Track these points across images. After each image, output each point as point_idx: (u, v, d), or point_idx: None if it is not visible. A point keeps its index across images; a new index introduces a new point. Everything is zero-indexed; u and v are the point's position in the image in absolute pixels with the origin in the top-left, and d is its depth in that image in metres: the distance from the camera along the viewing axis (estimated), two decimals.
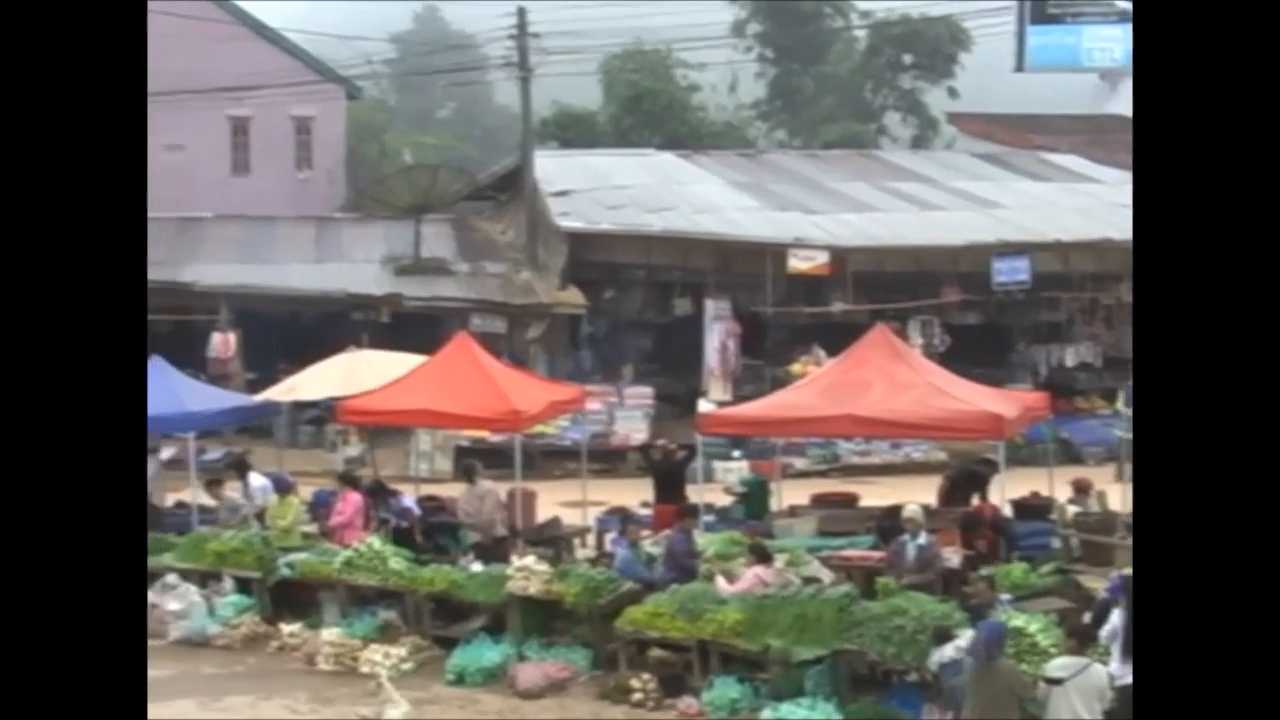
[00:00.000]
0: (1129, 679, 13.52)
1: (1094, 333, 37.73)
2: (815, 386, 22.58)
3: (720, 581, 18.92)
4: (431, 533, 23.70)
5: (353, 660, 19.31)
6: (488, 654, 18.93)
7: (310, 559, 21.44)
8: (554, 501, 26.11)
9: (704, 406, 30.21)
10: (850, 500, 25.31)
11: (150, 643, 20.76)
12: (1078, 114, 51.08)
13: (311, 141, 51.71)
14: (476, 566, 20.64)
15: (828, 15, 61.64)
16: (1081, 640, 14.54)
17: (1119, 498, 23.28)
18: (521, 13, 38.28)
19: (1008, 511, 22.10)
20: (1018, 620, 15.99)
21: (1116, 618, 14.98)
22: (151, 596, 21.50)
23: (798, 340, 36.28)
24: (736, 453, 31.83)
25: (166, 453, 27.80)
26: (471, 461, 25.01)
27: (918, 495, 22.91)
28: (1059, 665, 14.15)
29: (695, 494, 23.44)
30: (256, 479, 24.50)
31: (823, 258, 35.92)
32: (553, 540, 23.54)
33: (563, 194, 39.14)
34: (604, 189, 40.32)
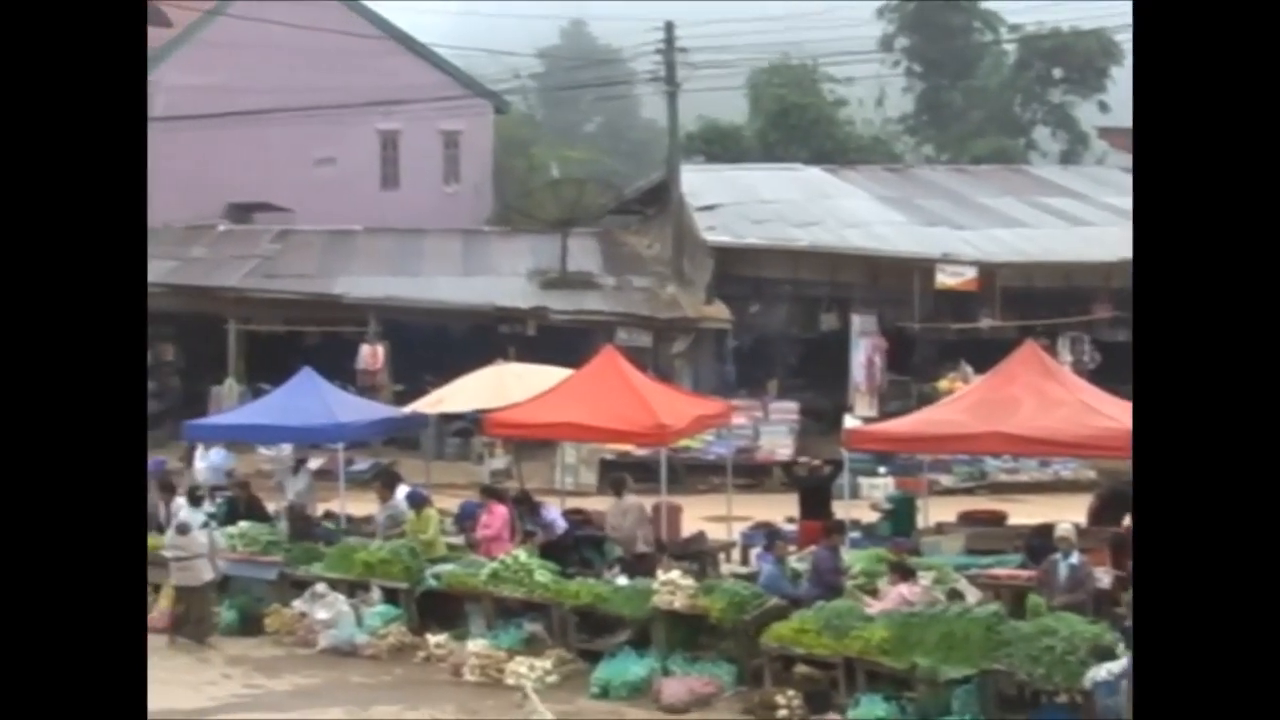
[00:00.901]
0: None
1: None
2: (963, 403, 22.36)
3: (865, 600, 18.80)
4: (577, 546, 23.76)
5: (498, 672, 19.37)
6: (633, 668, 18.90)
7: (456, 570, 21.57)
8: (699, 516, 26.06)
9: (850, 422, 30.01)
10: (998, 518, 25.02)
11: (299, 651, 21.16)
12: None
13: (459, 155, 52.18)
14: (622, 580, 20.64)
15: (977, 29, 61.15)
16: None
17: None
18: (669, 27, 38.32)
19: None
20: None
21: None
22: (300, 605, 21.79)
23: (945, 356, 36.00)
24: (882, 469, 31.63)
25: (315, 463, 28.11)
26: (621, 475, 24.94)
27: (1067, 514, 22.58)
28: None
29: (841, 510, 23.30)
30: (401, 492, 24.68)
31: (971, 273, 35.65)
32: (698, 555, 23.50)
33: (709, 208, 39.15)
34: (750, 203, 40.28)
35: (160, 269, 38.58)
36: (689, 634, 19.35)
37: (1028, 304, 36.30)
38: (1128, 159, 49.20)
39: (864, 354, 35.74)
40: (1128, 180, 44.81)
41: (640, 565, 21.62)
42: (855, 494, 26.64)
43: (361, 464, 32.53)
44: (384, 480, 25.51)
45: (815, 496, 24.12)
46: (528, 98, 69.07)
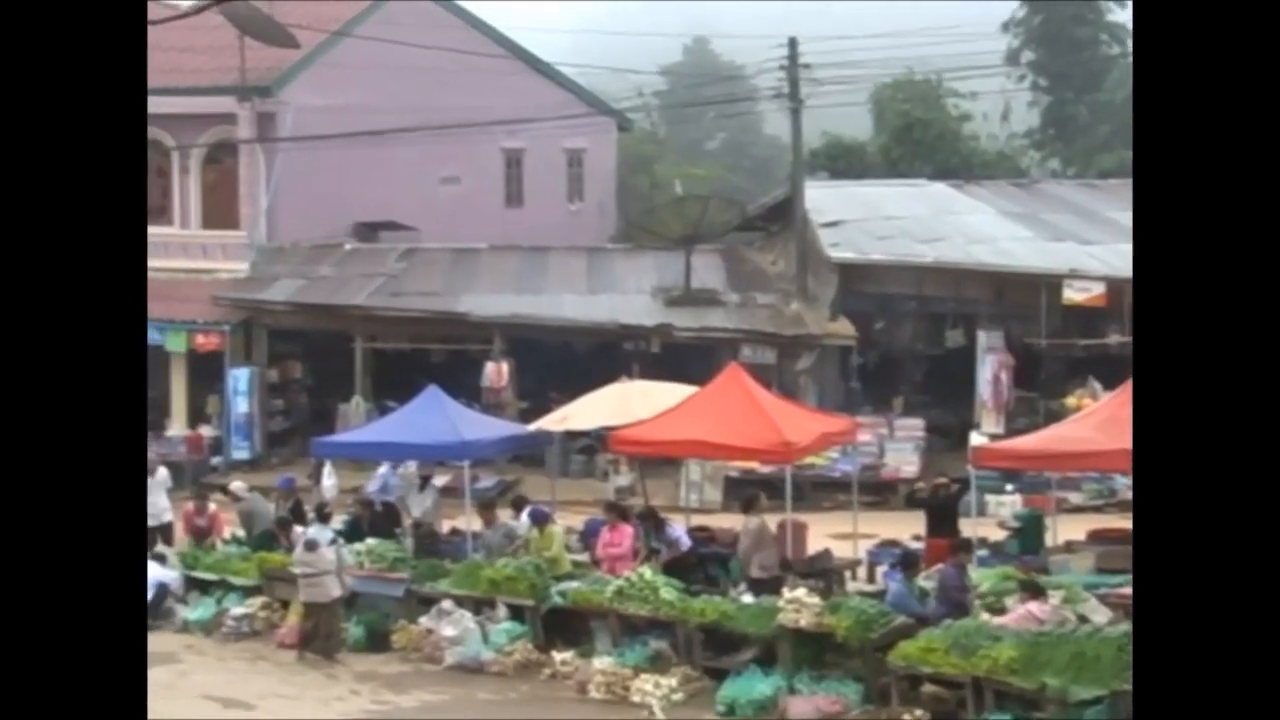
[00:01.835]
0: None
1: None
2: (1092, 420, 22.13)
3: (990, 618, 18.65)
4: (701, 563, 23.73)
5: (624, 689, 19.40)
6: (758, 686, 18.86)
7: (582, 588, 21.62)
8: (824, 534, 25.93)
9: (976, 439, 29.84)
10: (1129, 537, 24.68)
11: (426, 667, 21.31)
12: None
13: (583, 173, 52.41)
14: (748, 598, 20.59)
15: (1104, 42, 60.63)
16: None
17: None
18: (793, 43, 38.23)
19: None
20: None
21: None
22: (427, 622, 21.92)
23: (1072, 373, 35.62)
24: (1009, 486, 31.29)
25: (440, 480, 28.29)
26: (754, 492, 24.59)
27: None
28: None
29: (968, 528, 23.12)
30: (524, 517, 24.72)
31: (1099, 289, 35.25)
32: (824, 573, 23.38)
33: (833, 224, 38.99)
34: (875, 219, 40.08)
35: (288, 288, 39.02)
36: (815, 652, 19.27)
37: None
38: None
39: (990, 370, 35.42)
40: None
41: (758, 587, 21.44)
42: (982, 512, 26.43)
43: (486, 481, 32.68)
44: (483, 503, 25.58)
45: (942, 514, 23.96)
46: (651, 115, 69.27)
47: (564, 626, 21.54)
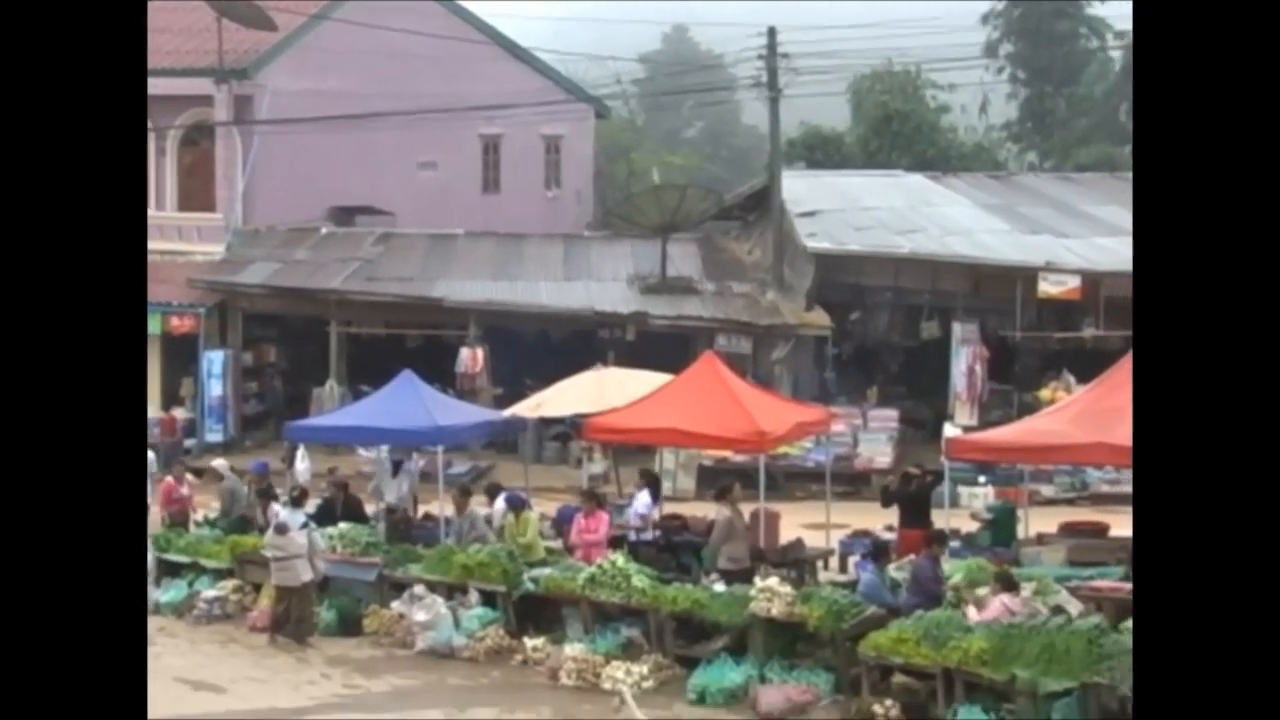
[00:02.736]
0: None
1: None
2: (1067, 413, 22.12)
3: (970, 611, 18.67)
4: (673, 550, 23.75)
5: (595, 676, 19.41)
6: (729, 674, 18.88)
7: (554, 574, 21.61)
8: (797, 523, 25.96)
9: (950, 431, 29.89)
10: (1101, 530, 24.73)
11: (397, 652, 21.29)
12: None
13: (561, 160, 52.34)
14: (720, 586, 20.61)
15: (1082, 35, 60.65)
16: None
17: None
18: (771, 33, 38.22)
19: None
20: None
21: None
22: (399, 606, 21.90)
23: (1047, 366, 35.70)
24: (982, 478, 31.35)
25: (419, 463, 28.25)
26: (729, 481, 24.50)
27: None
28: None
29: (941, 519, 23.16)
30: (500, 503, 24.72)
31: (1074, 282, 35.31)
32: (796, 562, 23.41)
33: (810, 214, 39.00)
34: (852, 210, 40.10)
35: (264, 271, 38.94)
36: (786, 641, 19.30)
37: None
38: None
39: (965, 362, 35.48)
40: None
41: (728, 577, 21.42)
42: (955, 503, 26.48)
43: (460, 466, 32.69)
44: (461, 489, 25.55)
45: (915, 505, 23.97)
46: (629, 103, 69.20)
47: (536, 613, 21.55)
